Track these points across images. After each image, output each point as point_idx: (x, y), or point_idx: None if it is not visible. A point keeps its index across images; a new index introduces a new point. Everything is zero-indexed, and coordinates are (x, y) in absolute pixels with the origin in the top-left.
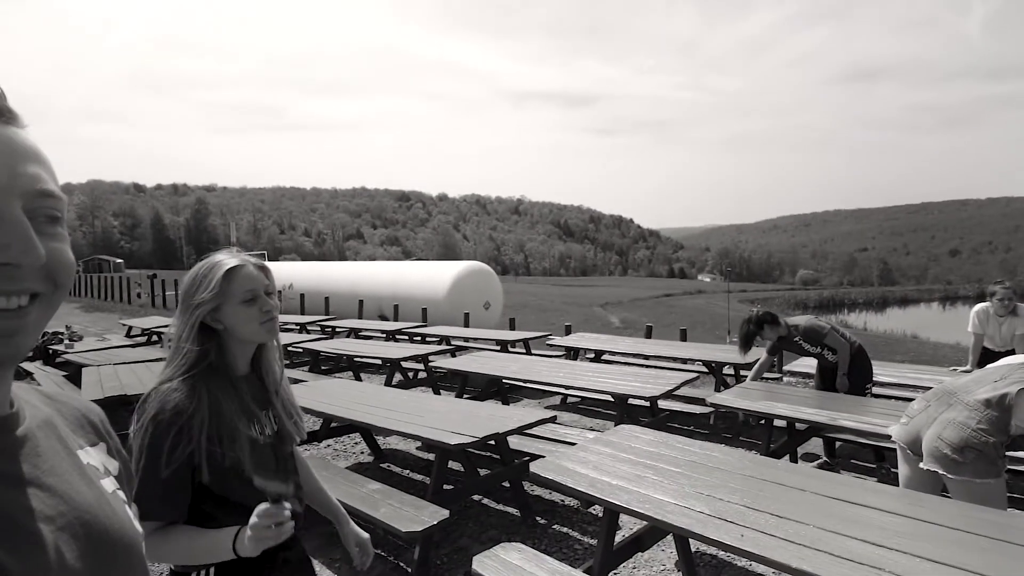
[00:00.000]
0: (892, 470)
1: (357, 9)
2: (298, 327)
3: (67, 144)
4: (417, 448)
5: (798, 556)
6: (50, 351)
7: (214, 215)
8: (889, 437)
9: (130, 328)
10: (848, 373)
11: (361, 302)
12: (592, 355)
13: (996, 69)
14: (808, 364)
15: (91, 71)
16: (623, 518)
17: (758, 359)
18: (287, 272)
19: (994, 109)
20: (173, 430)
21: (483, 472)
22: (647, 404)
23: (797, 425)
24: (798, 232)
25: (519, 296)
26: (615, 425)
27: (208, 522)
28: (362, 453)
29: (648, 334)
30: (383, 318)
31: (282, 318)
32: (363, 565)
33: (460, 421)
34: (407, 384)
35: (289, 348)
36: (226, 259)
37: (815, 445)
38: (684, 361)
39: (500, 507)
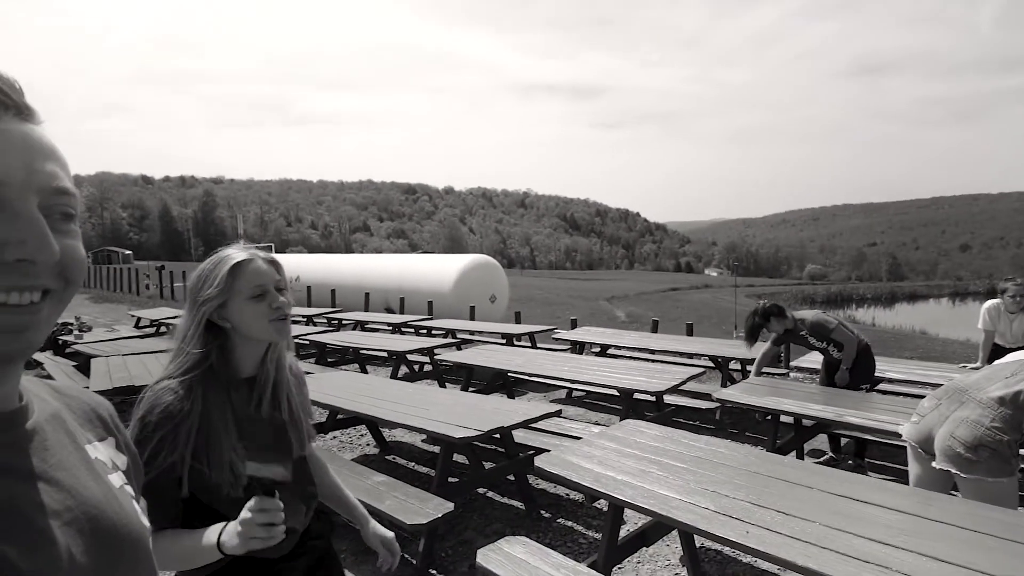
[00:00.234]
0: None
1: (364, 4)
2: (305, 319)
3: (75, 138)
4: (422, 441)
5: (804, 554)
6: (59, 341)
7: (221, 207)
8: (898, 435)
9: (139, 319)
10: (851, 369)
11: (367, 295)
12: (598, 349)
13: (1007, 62)
14: (815, 360)
15: (96, 69)
16: (628, 512)
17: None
18: (294, 264)
19: (1005, 102)
20: (157, 436)
21: (488, 465)
22: (653, 399)
23: (804, 421)
24: (806, 226)
25: (525, 289)
26: (620, 420)
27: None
28: (368, 445)
29: (654, 328)
30: (389, 311)
31: None
32: (391, 565)
33: (465, 414)
34: (413, 377)
35: (296, 340)
36: (234, 253)
37: (821, 441)
38: (690, 356)
39: (505, 500)
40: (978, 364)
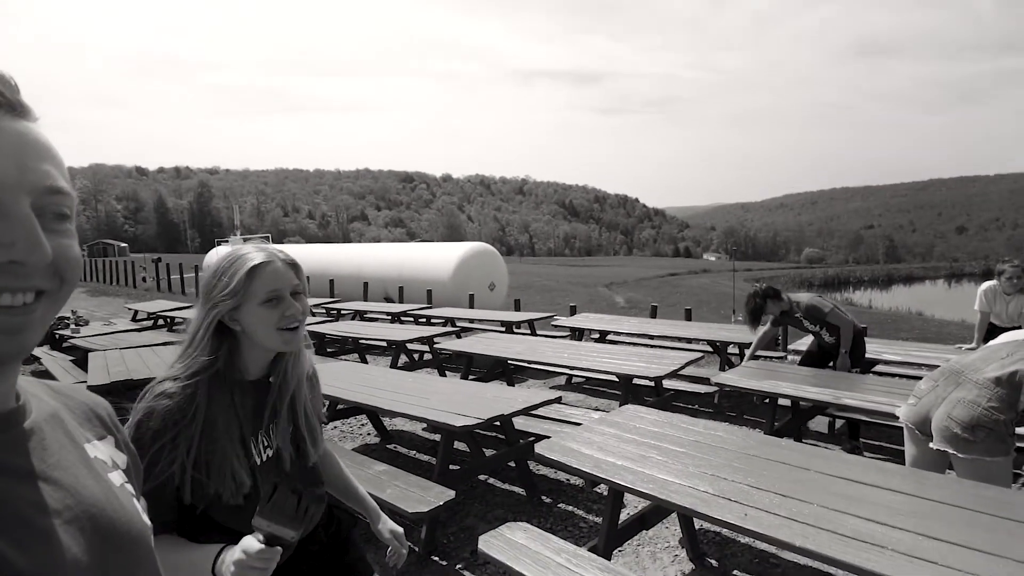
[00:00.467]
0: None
1: None
2: None
3: (67, 128)
4: (423, 429)
5: (802, 535)
6: (56, 336)
7: (217, 198)
8: (893, 416)
9: (136, 312)
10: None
11: (366, 284)
12: (597, 335)
13: (1009, 43)
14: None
15: (88, 57)
16: (628, 496)
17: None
18: (292, 255)
19: (1006, 84)
20: (156, 446)
21: (489, 452)
22: (652, 384)
23: (801, 404)
24: (804, 210)
25: (524, 277)
26: (620, 405)
27: (198, 537)
28: (368, 435)
29: (653, 314)
30: (388, 300)
31: None
32: (398, 561)
33: (465, 402)
34: (413, 366)
35: None
36: (252, 254)
37: (819, 423)
38: (689, 341)
39: (506, 487)
40: (973, 345)
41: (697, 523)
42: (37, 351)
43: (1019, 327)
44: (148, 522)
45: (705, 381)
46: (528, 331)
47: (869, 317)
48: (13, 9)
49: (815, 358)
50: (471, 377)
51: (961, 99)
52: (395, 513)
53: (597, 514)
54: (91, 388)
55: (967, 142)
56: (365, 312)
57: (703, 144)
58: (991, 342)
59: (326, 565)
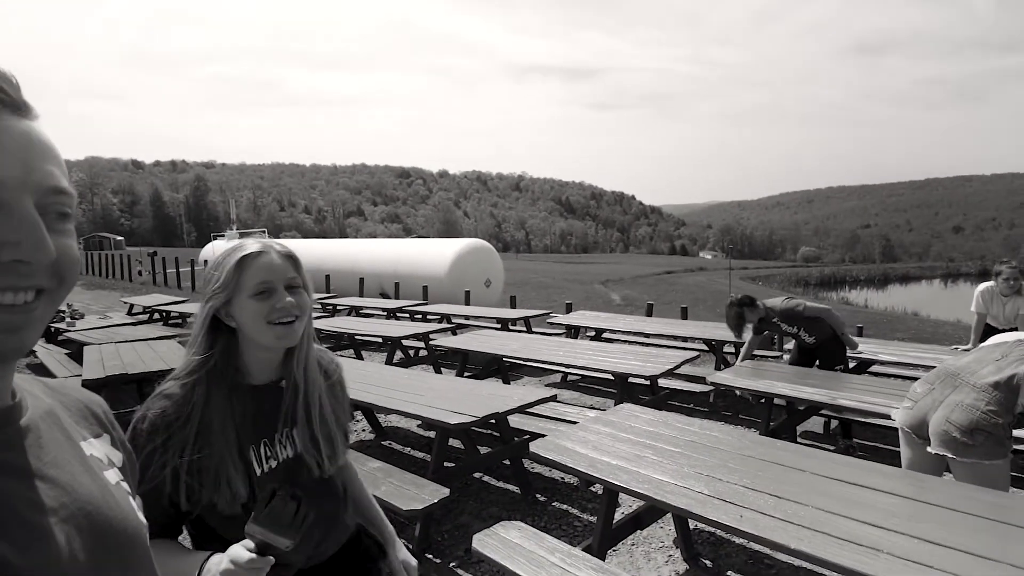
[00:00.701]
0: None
1: None
2: None
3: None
4: (418, 426)
5: (797, 537)
6: (52, 329)
7: (213, 192)
8: (889, 416)
9: (131, 306)
10: (824, 347)
11: (362, 280)
12: (593, 333)
13: (1007, 42)
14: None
15: (83, 49)
16: (623, 496)
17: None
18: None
19: (1005, 82)
20: (147, 448)
21: (484, 450)
22: (647, 383)
23: (797, 404)
24: (801, 208)
25: (520, 273)
26: (615, 404)
27: (199, 543)
28: (363, 431)
29: (649, 312)
30: (384, 296)
31: None
32: None
33: (460, 400)
34: (408, 362)
35: None
36: (247, 244)
37: (815, 423)
38: (685, 339)
39: (501, 484)
40: (969, 346)
41: (692, 523)
42: None
43: (1016, 329)
44: (144, 520)
45: (701, 380)
46: (524, 328)
47: (865, 317)
48: (6, 1)
49: (800, 360)
50: (466, 374)
51: (960, 97)
52: (389, 510)
53: (592, 513)
54: (86, 382)
55: (965, 141)
56: (361, 308)
57: (699, 141)
58: (983, 344)
59: None
